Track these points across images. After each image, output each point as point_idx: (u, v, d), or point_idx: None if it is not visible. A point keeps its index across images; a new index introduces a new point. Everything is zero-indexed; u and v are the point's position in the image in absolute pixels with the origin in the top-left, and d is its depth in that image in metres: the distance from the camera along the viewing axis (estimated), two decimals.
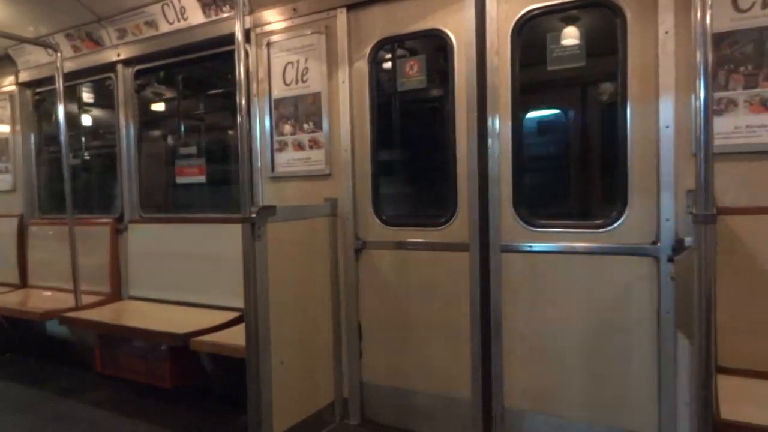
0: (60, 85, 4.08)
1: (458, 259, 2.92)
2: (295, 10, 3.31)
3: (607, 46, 2.57)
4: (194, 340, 3.07)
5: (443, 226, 2.98)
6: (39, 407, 3.69)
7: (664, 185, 2.42)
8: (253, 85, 3.47)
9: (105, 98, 4.60)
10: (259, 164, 3.50)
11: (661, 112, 2.42)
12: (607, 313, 2.60)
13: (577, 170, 2.91)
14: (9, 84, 5.03)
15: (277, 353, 2.74)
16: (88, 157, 5.09)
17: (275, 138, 3.45)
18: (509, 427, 2.86)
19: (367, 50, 3.14)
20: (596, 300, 2.62)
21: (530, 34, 2.74)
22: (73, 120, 4.77)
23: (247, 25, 3.37)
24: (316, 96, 3.28)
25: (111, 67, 4.30)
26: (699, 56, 1.69)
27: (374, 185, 3.17)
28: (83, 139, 5.06)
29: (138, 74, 4.26)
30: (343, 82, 3.18)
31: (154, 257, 4.10)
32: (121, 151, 4.33)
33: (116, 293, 4.31)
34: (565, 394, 2.71)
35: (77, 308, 3.97)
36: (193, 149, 4.16)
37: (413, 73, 3.11)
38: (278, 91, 3.41)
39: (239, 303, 2.75)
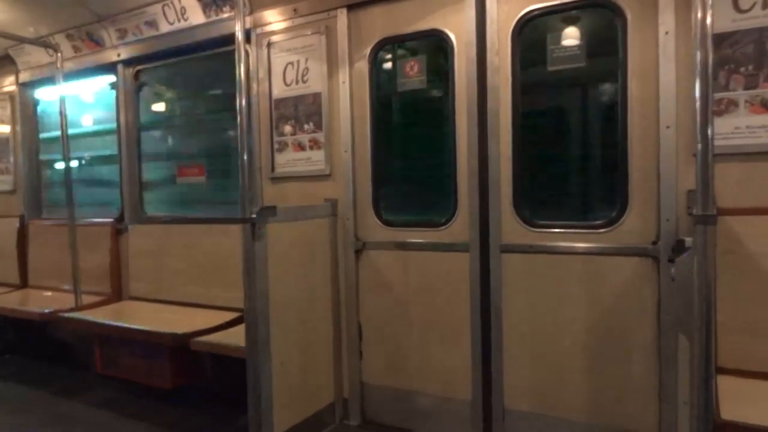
0: (60, 85, 4.07)
1: (458, 260, 2.92)
2: (295, 10, 3.31)
3: (607, 47, 2.58)
4: (194, 340, 3.07)
5: (443, 227, 2.98)
6: (39, 407, 3.68)
7: (665, 185, 2.42)
8: (254, 86, 3.47)
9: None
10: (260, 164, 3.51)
11: (661, 112, 2.42)
12: (607, 313, 2.60)
13: (578, 170, 2.92)
14: (9, 84, 5.03)
15: (277, 353, 2.74)
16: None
17: (275, 138, 3.45)
18: (509, 427, 2.86)
19: (368, 50, 3.14)
20: (596, 300, 2.62)
21: (531, 35, 2.74)
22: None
23: (248, 26, 3.37)
24: (317, 96, 3.28)
25: (111, 67, 4.30)
26: (699, 57, 1.70)
27: (374, 186, 3.17)
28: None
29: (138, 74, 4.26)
30: (344, 82, 3.18)
31: (155, 257, 4.10)
32: (121, 151, 4.33)
33: (116, 294, 4.31)
34: (565, 395, 2.71)
35: (77, 309, 3.97)
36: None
37: (413, 73, 3.11)
38: (278, 91, 3.41)
39: (239, 303, 2.75)
